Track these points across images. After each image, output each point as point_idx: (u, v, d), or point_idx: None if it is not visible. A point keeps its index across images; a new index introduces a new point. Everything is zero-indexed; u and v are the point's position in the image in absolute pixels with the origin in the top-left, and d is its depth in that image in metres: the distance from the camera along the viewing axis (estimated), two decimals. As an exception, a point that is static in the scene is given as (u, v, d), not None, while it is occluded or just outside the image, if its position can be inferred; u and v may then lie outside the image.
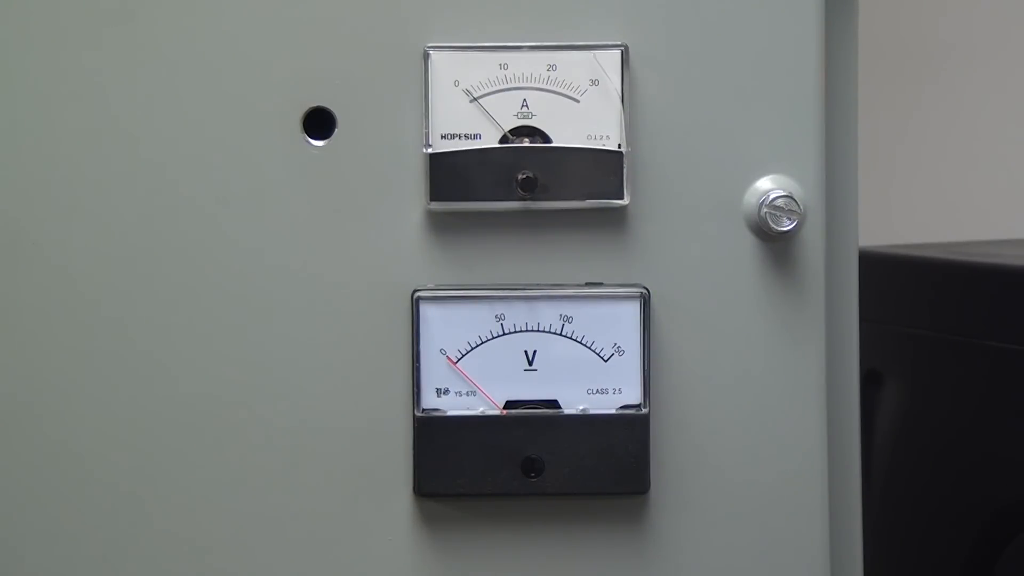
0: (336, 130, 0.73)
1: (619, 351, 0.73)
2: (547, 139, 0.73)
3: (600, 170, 0.73)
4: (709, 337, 0.74)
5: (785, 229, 0.73)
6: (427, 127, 0.73)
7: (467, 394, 0.73)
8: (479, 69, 0.73)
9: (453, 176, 0.73)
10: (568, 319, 0.73)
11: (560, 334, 0.73)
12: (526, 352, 0.73)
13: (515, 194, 0.73)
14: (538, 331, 0.73)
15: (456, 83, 0.73)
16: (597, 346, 0.73)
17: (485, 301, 0.73)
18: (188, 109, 0.73)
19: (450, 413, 0.73)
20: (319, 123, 0.73)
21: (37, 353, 0.73)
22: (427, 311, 0.73)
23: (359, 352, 0.73)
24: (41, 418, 0.73)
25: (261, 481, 0.73)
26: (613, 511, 0.74)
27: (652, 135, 0.74)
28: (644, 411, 0.73)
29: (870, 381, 1.05)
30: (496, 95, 0.73)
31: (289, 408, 0.73)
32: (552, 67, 0.73)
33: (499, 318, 0.73)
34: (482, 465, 0.73)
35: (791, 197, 0.73)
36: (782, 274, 0.74)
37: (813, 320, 0.74)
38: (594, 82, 0.73)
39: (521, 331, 0.73)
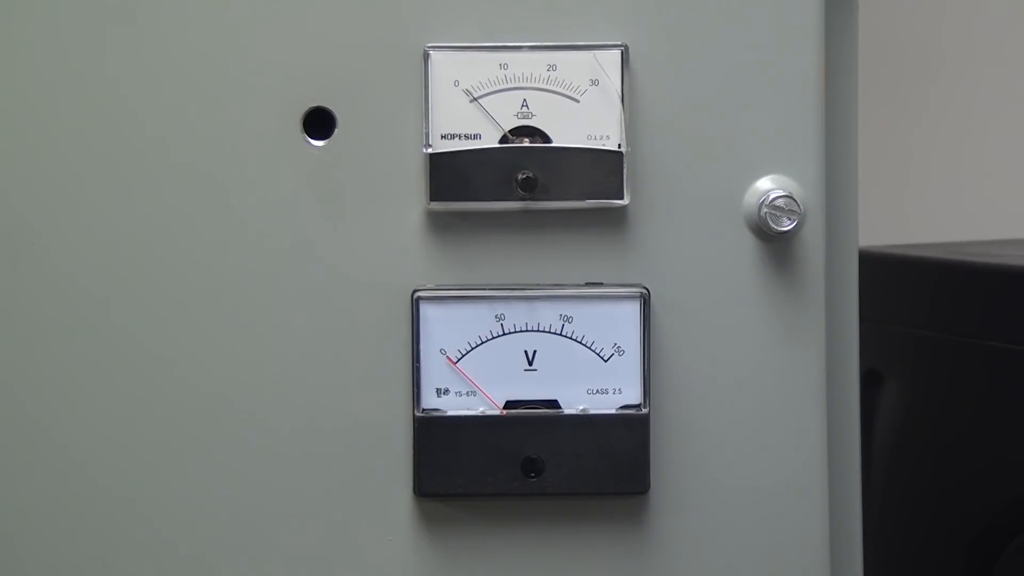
0: (336, 130, 0.73)
1: (619, 351, 0.73)
2: (547, 139, 0.73)
3: (600, 170, 0.73)
4: (709, 337, 0.74)
5: (785, 229, 0.73)
6: (427, 127, 0.73)
7: (467, 394, 0.73)
8: (479, 69, 0.73)
9: (453, 176, 0.73)
10: (568, 319, 0.73)
11: (560, 334, 0.73)
12: (526, 352, 0.73)
13: (515, 194, 0.73)
14: (538, 331, 0.73)
15: (456, 83, 0.73)
16: (597, 346, 0.73)
17: (485, 301, 0.73)
18: (188, 109, 0.73)
19: (450, 413, 0.73)
20: (319, 123, 0.73)
21: (36, 351, 0.73)
22: (427, 311, 0.73)
23: (359, 352, 0.73)
24: (40, 417, 0.73)
25: (261, 481, 0.73)
26: (613, 511, 0.74)
27: (652, 135, 0.74)
28: (644, 411, 0.73)
29: (870, 381, 1.05)
30: (496, 95, 0.73)
31: (289, 408, 0.73)
32: (552, 67, 0.73)
33: (499, 318, 0.73)
34: (482, 465, 0.73)
35: (791, 197, 0.73)
36: (782, 274, 0.74)
37: (813, 320, 0.74)
38: (594, 82, 0.73)
39: (521, 331, 0.73)
